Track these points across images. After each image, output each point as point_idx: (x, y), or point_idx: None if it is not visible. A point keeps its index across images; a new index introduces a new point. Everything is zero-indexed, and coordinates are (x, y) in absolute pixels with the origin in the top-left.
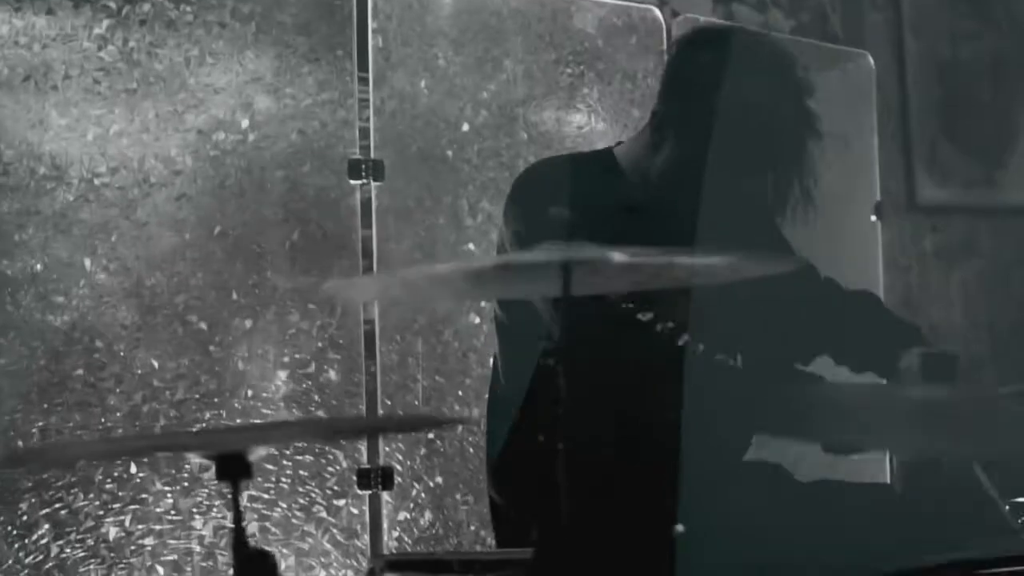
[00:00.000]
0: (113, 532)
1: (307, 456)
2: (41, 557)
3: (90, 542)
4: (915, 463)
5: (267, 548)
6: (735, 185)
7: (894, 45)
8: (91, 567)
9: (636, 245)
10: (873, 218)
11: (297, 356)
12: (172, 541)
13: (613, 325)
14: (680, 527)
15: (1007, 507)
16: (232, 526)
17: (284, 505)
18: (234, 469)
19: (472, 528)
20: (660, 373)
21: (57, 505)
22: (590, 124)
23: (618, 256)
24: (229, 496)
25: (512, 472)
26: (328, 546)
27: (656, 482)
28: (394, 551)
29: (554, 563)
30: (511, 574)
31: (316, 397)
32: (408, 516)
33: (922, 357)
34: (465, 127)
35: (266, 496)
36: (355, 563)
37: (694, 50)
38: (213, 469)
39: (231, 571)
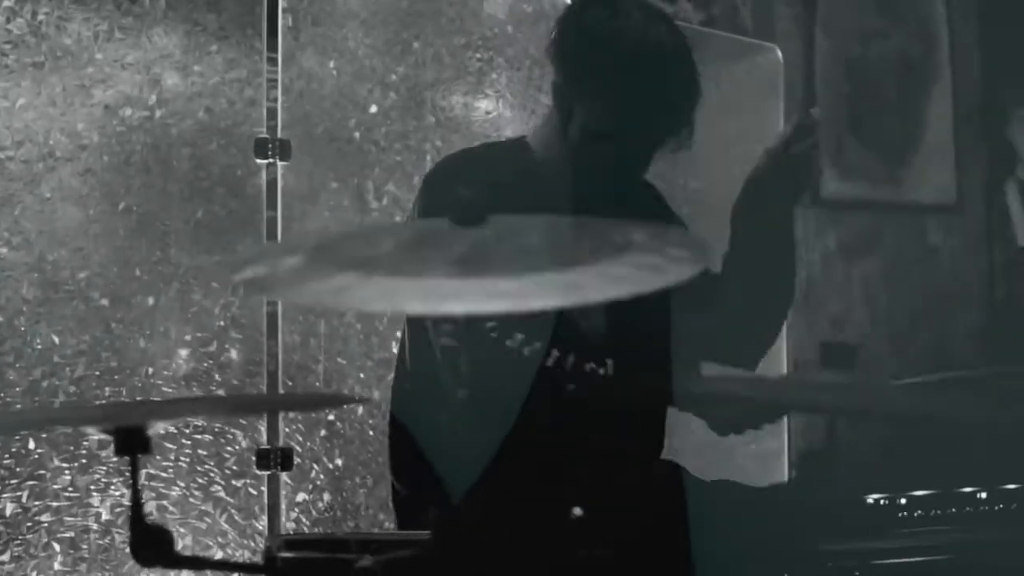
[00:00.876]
0: (9, 508)
1: (206, 436)
2: None
3: None
4: (809, 457)
5: (164, 525)
6: (640, 149)
7: (803, 40)
8: None
9: None
10: None
11: (199, 335)
12: (69, 518)
13: (484, 348)
14: (578, 510)
15: (902, 501)
16: (130, 502)
17: (182, 484)
18: (133, 444)
19: (370, 511)
20: (532, 393)
21: None
22: (498, 110)
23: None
24: (128, 473)
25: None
26: (226, 526)
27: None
28: (292, 532)
29: (451, 545)
30: (407, 555)
31: (217, 376)
32: (307, 497)
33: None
34: (373, 109)
35: (164, 475)
36: (253, 543)
37: (578, 14)
38: (112, 445)
39: (128, 549)
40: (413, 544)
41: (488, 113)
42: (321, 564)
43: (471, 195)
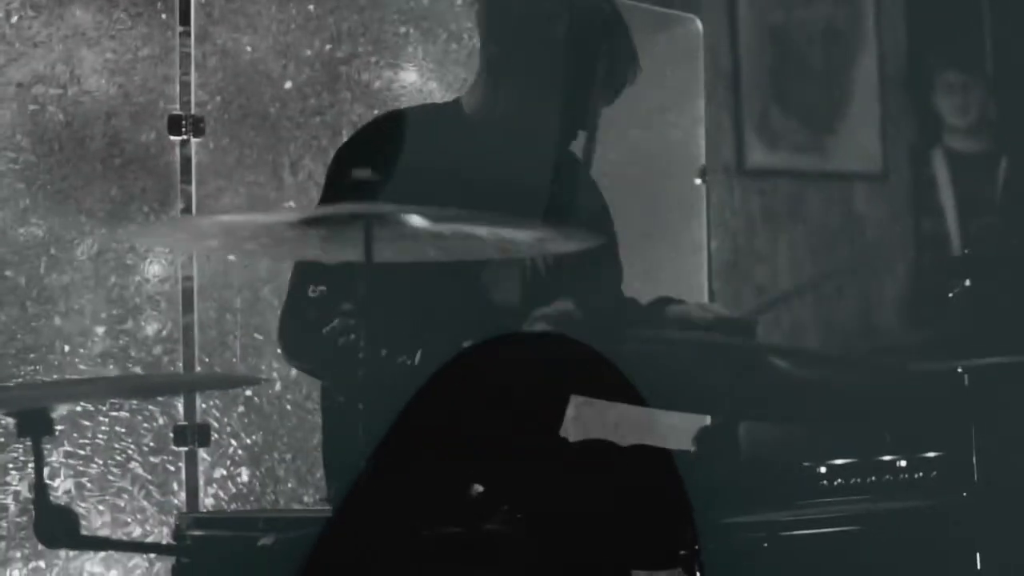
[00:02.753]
0: None
1: (123, 412)
2: None
3: None
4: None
5: (70, 506)
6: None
7: (727, 10)
8: None
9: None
10: (698, 181)
11: (114, 312)
12: None
13: None
14: (479, 487)
15: (822, 469)
16: (35, 483)
17: (100, 461)
18: (34, 426)
19: (290, 485)
20: None
21: None
22: (416, 83)
23: (417, 219)
24: (47, 450)
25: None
26: (144, 503)
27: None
28: (211, 508)
29: (353, 521)
30: (313, 532)
31: (133, 353)
32: (225, 473)
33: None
34: (288, 84)
35: (81, 452)
36: (171, 520)
37: None
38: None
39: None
40: (318, 521)
41: (405, 86)
42: (227, 542)
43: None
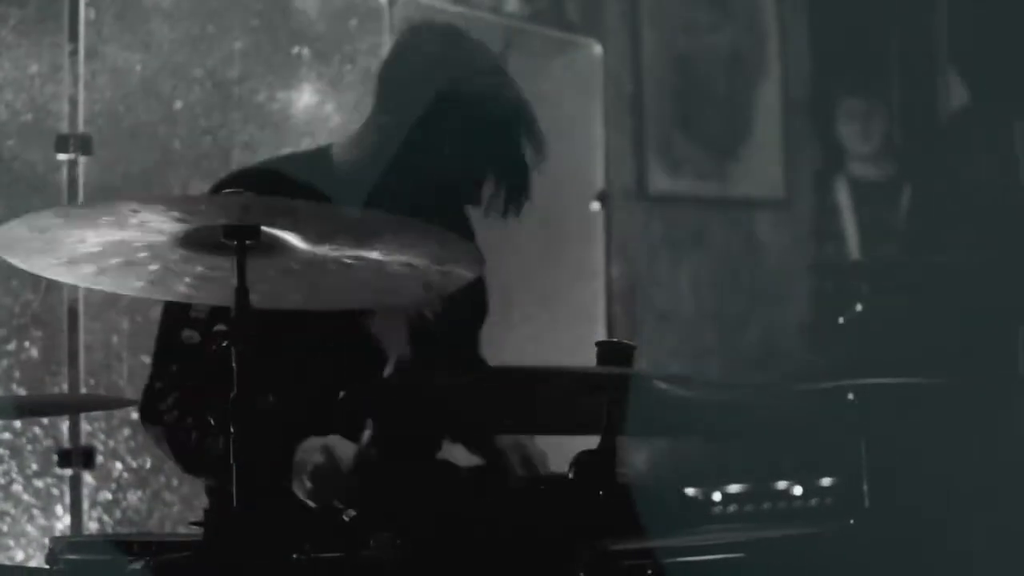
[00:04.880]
0: None
1: (6, 434)
2: None
3: None
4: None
5: None
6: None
7: (631, 35)
8: None
9: None
10: (595, 206)
11: None
12: None
13: None
14: (351, 511)
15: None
16: None
17: None
18: None
19: (177, 508)
20: None
21: None
22: (310, 104)
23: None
24: None
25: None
26: (28, 527)
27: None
28: (95, 532)
29: (221, 545)
30: (185, 556)
31: (17, 374)
32: (111, 496)
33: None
34: (178, 104)
35: None
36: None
37: (409, 53)
38: None
39: None
40: (188, 545)
41: (298, 108)
42: (100, 566)
43: None
